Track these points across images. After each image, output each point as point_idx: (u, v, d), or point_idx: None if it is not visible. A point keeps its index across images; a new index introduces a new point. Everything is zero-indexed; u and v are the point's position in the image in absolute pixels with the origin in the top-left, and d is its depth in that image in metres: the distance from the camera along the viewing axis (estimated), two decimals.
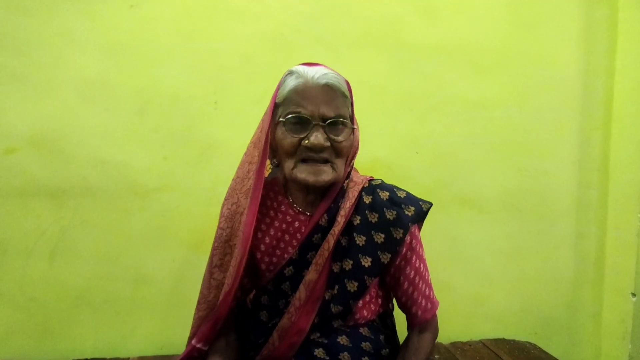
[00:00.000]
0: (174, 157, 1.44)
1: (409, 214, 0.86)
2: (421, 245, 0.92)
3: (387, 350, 0.89)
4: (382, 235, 0.84)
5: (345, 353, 0.82)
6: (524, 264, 1.61)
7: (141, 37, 1.42)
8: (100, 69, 1.40)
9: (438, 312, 1.60)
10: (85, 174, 1.40)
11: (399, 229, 0.84)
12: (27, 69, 1.37)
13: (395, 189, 0.90)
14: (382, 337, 0.90)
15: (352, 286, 0.83)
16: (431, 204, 0.91)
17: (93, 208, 1.41)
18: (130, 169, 1.42)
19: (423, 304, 0.91)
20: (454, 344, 1.52)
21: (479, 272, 1.60)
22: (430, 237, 1.57)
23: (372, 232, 0.85)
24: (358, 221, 0.86)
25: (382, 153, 1.52)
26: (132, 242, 1.43)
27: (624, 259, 1.58)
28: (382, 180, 0.93)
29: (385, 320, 0.96)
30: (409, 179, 1.54)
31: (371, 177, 0.94)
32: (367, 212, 0.86)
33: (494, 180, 1.58)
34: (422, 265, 0.91)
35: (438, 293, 1.56)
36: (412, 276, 0.88)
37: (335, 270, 0.85)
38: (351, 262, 0.84)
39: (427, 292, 0.92)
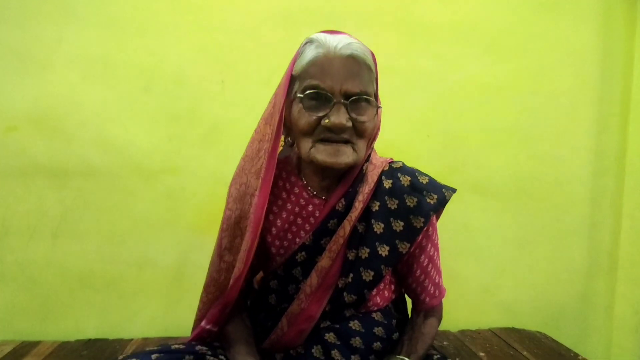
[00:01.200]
0: (178, 138, 1.40)
1: (431, 202, 0.79)
2: (436, 233, 0.88)
3: (398, 334, 0.87)
4: (402, 223, 0.79)
5: (357, 338, 0.79)
6: (535, 253, 1.57)
7: (145, 13, 1.37)
8: (103, 46, 1.36)
9: (447, 301, 1.58)
10: (88, 154, 1.37)
11: (419, 218, 0.78)
12: (27, 44, 1.33)
13: (417, 174, 0.84)
14: (394, 321, 0.87)
15: (367, 275, 0.79)
16: (454, 190, 0.84)
17: (96, 189, 1.38)
18: (133, 150, 1.39)
19: (432, 291, 0.87)
20: (463, 332, 1.49)
21: (490, 261, 1.56)
22: (440, 224, 1.53)
23: (391, 219, 0.79)
24: (377, 207, 0.80)
25: (392, 136, 1.46)
26: (136, 224, 1.40)
27: (639, 249, 1.54)
28: (403, 163, 0.87)
29: (397, 305, 0.93)
30: (419, 163, 1.45)
31: (391, 159, 0.88)
32: (386, 197, 0.80)
33: (507, 166, 1.54)
34: (435, 253, 0.87)
35: (447, 281, 1.51)
36: (425, 264, 0.85)
37: (350, 258, 0.80)
38: (368, 250, 0.79)
39: (437, 280, 0.89)
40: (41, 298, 1.38)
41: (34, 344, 1.32)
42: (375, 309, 0.85)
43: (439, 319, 0.91)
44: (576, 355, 1.32)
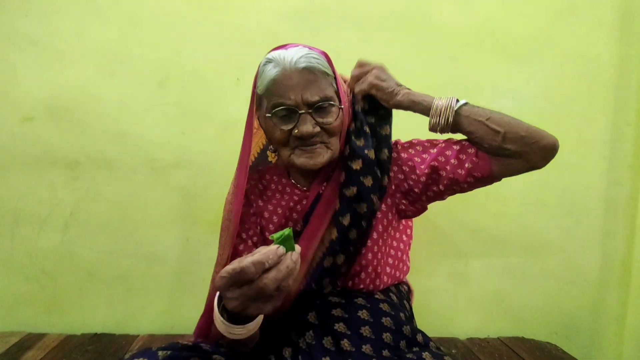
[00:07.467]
0: (192, 133, 1.40)
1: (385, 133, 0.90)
2: (413, 145, 0.96)
3: (409, 328, 0.85)
4: (370, 178, 0.83)
5: (367, 327, 0.79)
6: (547, 261, 1.55)
7: (164, 8, 1.38)
8: (121, 40, 1.37)
9: (456, 307, 1.54)
10: (102, 146, 1.38)
11: (384, 150, 0.87)
12: (47, 36, 1.35)
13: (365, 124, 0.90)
14: (401, 314, 0.85)
15: (352, 234, 0.82)
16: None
17: (108, 181, 1.38)
18: (147, 143, 1.39)
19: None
20: (471, 339, 1.47)
21: (500, 268, 1.54)
22: (452, 229, 1.53)
23: (361, 177, 0.83)
24: (343, 177, 0.84)
25: (406, 137, 1.47)
26: (146, 218, 1.40)
27: None
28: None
29: (402, 300, 0.94)
30: None
31: None
32: (348, 162, 0.84)
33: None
34: (432, 149, 0.93)
35: (457, 287, 1.52)
36: (429, 160, 0.90)
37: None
38: (348, 215, 0.83)
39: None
40: (49, 289, 1.38)
41: (39, 336, 1.31)
42: (379, 289, 0.90)
43: None
44: None
